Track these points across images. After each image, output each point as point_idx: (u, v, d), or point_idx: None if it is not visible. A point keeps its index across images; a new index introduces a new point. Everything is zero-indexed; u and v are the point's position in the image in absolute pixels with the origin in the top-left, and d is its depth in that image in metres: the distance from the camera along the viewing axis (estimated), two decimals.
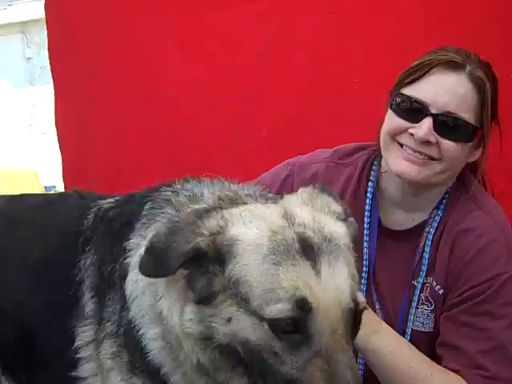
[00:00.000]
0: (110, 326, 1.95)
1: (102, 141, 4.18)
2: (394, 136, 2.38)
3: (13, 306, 2.24)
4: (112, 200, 2.22)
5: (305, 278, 1.54)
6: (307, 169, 2.67)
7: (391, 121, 2.41)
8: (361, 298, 1.63)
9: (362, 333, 2.12)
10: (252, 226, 1.63)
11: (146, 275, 1.69)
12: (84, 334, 2.05)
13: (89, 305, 2.05)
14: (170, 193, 1.99)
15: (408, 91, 2.35)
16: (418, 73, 2.34)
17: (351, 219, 1.83)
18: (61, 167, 4.35)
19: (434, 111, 2.29)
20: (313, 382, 1.53)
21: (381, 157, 2.54)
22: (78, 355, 2.07)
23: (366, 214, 2.54)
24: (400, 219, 2.53)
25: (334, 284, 1.56)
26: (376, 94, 2.67)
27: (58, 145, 4.34)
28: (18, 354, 2.28)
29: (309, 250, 1.58)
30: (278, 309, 1.52)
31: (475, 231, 2.36)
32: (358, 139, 2.80)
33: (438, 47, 2.44)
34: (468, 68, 2.31)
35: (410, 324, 2.41)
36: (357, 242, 1.83)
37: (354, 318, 1.59)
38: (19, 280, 2.25)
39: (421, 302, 2.44)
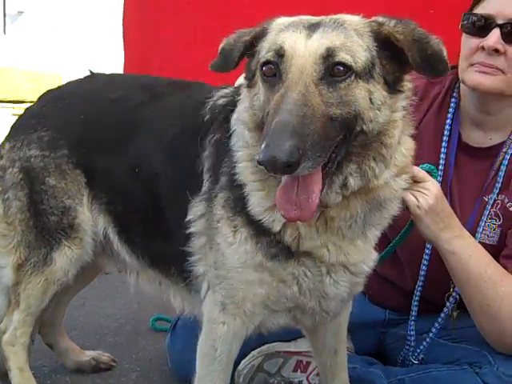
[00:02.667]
0: (222, 178, 2.15)
1: (167, 42, 4.23)
2: (469, 58, 2.49)
3: (150, 174, 2.41)
4: (226, 91, 2.37)
5: (294, 38, 1.85)
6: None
7: (465, 44, 2.53)
8: (346, 57, 1.81)
9: (446, 236, 2.35)
10: (287, 18, 1.98)
11: (216, 70, 2.07)
12: (197, 208, 2.23)
13: (205, 186, 2.22)
14: None
15: (476, 11, 2.48)
16: None
17: (385, 27, 1.91)
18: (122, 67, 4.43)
19: (500, 22, 2.40)
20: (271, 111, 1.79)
21: None
22: (190, 229, 2.25)
23: (447, 127, 2.67)
24: (477, 137, 2.66)
25: (316, 42, 1.82)
26: None
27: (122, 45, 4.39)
28: (142, 219, 2.47)
29: (315, 26, 1.87)
30: (264, 55, 1.89)
31: None
32: None
33: None
34: None
35: (477, 235, 2.57)
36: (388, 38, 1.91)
37: (327, 68, 1.81)
38: (156, 152, 2.41)
39: (490, 216, 2.59)
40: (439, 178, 2.59)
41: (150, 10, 4.32)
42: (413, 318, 2.74)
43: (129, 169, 2.45)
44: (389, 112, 1.91)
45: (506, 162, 2.57)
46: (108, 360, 3.33)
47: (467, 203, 2.63)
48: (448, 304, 2.64)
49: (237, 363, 2.74)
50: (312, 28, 1.86)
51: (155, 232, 2.45)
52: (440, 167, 2.63)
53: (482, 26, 2.45)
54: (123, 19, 4.41)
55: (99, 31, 13.01)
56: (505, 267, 2.45)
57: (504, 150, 2.59)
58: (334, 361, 2.54)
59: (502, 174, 2.57)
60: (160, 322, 3.85)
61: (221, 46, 2.08)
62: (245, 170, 2.07)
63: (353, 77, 1.82)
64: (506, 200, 2.55)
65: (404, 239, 2.50)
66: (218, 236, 2.16)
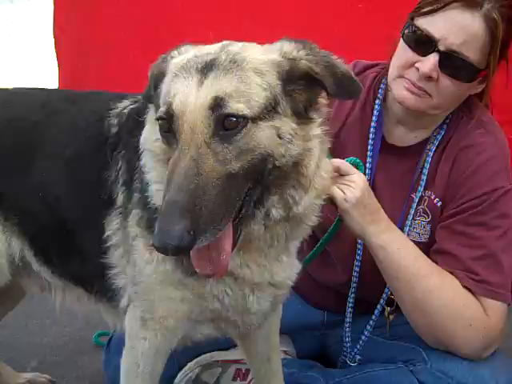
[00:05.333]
0: (135, 195, 2.10)
1: (100, 53, 4.16)
2: (402, 71, 2.46)
3: (52, 198, 2.33)
4: (130, 103, 2.30)
5: (184, 89, 1.72)
6: None
7: (401, 54, 2.47)
8: (237, 107, 1.69)
9: (374, 229, 2.35)
10: (186, 54, 1.87)
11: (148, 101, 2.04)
12: (112, 222, 2.18)
13: (120, 199, 2.17)
14: None
15: (422, 22, 2.40)
16: (435, 4, 2.36)
17: (302, 62, 1.82)
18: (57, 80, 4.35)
19: (441, 48, 2.34)
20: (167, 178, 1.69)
21: None
22: (109, 243, 2.20)
23: (371, 130, 2.65)
24: (402, 136, 2.65)
25: (205, 92, 1.69)
26: (378, 18, 2.72)
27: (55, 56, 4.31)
28: (55, 239, 2.39)
29: (208, 67, 1.74)
30: (160, 110, 1.77)
31: (476, 148, 2.50)
32: None
33: None
34: (485, 7, 2.31)
35: (405, 234, 2.55)
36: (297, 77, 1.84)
37: (218, 123, 1.69)
38: (55, 174, 2.33)
39: (418, 213, 2.59)
40: (367, 176, 2.58)
41: (83, 16, 4.23)
42: (348, 319, 2.73)
43: (33, 192, 2.36)
44: (302, 142, 1.83)
45: (429, 159, 2.56)
46: (45, 382, 3.26)
47: (397, 201, 2.63)
48: (381, 301, 2.63)
49: (173, 376, 2.70)
50: (205, 71, 1.73)
51: (70, 252, 2.38)
52: (367, 171, 2.62)
53: (422, 44, 2.39)
54: (54, 28, 4.31)
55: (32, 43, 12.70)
56: (434, 262, 2.45)
57: (428, 147, 2.59)
58: (268, 368, 2.52)
59: (425, 170, 2.56)
60: (104, 338, 3.75)
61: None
62: (156, 194, 1.99)
63: (249, 124, 1.71)
64: (433, 196, 2.56)
65: (332, 237, 2.49)
66: (134, 253, 2.12)
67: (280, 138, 1.77)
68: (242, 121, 1.69)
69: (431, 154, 2.57)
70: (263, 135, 1.73)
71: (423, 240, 2.58)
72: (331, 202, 2.30)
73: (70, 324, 4.04)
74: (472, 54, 2.35)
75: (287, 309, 2.52)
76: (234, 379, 2.81)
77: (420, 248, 2.47)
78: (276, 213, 1.91)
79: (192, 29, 4.00)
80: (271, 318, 2.43)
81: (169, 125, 1.73)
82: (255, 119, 1.71)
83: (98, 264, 2.23)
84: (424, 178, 2.57)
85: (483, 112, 2.60)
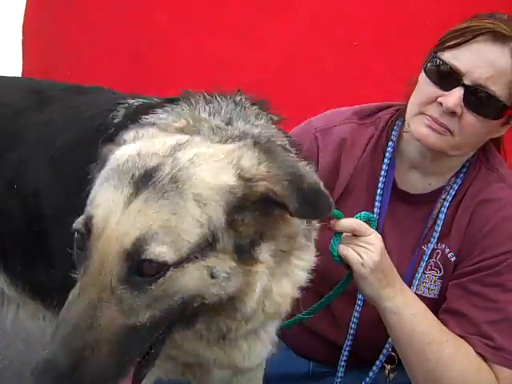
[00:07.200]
0: None
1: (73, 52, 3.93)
2: (423, 107, 2.31)
3: (29, 191, 2.09)
4: (144, 100, 2.11)
5: (110, 202, 1.42)
6: (330, 132, 2.58)
7: (423, 90, 2.33)
8: (158, 251, 1.38)
9: (388, 293, 2.16)
10: (133, 146, 1.57)
11: None
12: None
13: None
14: (188, 102, 1.90)
15: (446, 56, 2.27)
16: (461, 38, 2.24)
17: (261, 184, 1.50)
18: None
19: (466, 82, 2.21)
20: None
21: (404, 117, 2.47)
22: None
23: (383, 173, 2.48)
24: (416, 183, 2.49)
25: (130, 219, 1.39)
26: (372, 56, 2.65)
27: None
28: (22, 241, 2.14)
29: (145, 180, 1.43)
30: (78, 220, 1.47)
31: (496, 203, 2.36)
32: (355, 101, 2.73)
33: (488, 11, 2.36)
34: None
35: (413, 288, 2.39)
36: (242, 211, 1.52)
37: (132, 267, 1.39)
38: (39, 165, 2.10)
39: (429, 267, 2.42)
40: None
41: (55, 14, 3.97)
42: (340, 373, 2.52)
43: (5, 185, 2.13)
44: (241, 279, 1.51)
45: (444, 210, 2.41)
46: None
47: (406, 252, 2.45)
48: (381, 357, 2.46)
49: None
50: (139, 185, 1.43)
51: (37, 257, 2.12)
52: (375, 216, 2.42)
53: (446, 78, 2.25)
54: (23, 24, 3.99)
55: None
56: (445, 323, 2.28)
57: (443, 196, 2.43)
58: None
59: (440, 222, 2.40)
60: None
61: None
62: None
63: (169, 272, 1.40)
64: (447, 250, 2.40)
65: (339, 294, 2.27)
66: None
67: (213, 277, 1.46)
68: (162, 267, 1.39)
69: (447, 204, 2.41)
70: (190, 279, 1.43)
71: (432, 296, 2.42)
72: (342, 262, 2.12)
73: (10, 346, 3.73)
74: (499, 89, 2.22)
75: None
76: None
77: (427, 304, 2.29)
78: (209, 336, 1.64)
79: (162, 30, 3.91)
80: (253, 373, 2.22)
81: (82, 240, 1.44)
82: (180, 263, 1.41)
83: (65, 275, 1.91)
84: (438, 229, 2.41)
85: (502, 163, 2.48)
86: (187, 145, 1.52)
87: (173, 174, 1.43)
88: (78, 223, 1.44)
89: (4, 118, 2.19)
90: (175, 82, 3.67)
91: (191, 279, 1.42)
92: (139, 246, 1.36)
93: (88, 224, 1.42)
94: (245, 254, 1.50)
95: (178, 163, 1.46)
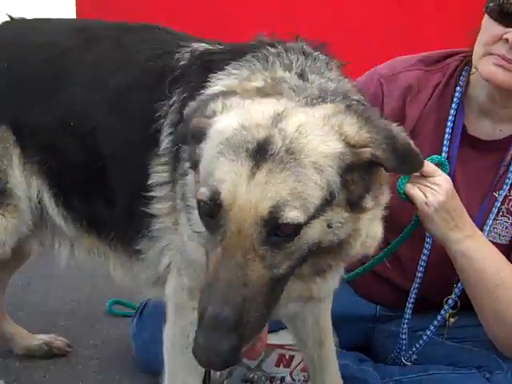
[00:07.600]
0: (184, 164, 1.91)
1: None
2: (489, 47, 2.31)
3: (87, 129, 2.15)
4: (209, 46, 2.12)
5: (233, 175, 1.51)
6: (395, 79, 2.61)
7: (488, 30, 2.33)
8: (293, 215, 1.50)
9: (456, 235, 2.18)
10: (231, 117, 1.63)
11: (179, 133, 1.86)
12: (159, 174, 2.02)
13: (165, 142, 2.00)
14: (258, 55, 1.94)
15: None
16: None
17: (366, 150, 1.60)
18: None
19: None
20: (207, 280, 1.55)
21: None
22: (152, 193, 2.04)
23: (450, 118, 2.50)
24: (486, 129, 2.51)
25: (259, 190, 1.49)
26: None
27: None
28: (81, 177, 2.22)
29: (261, 153, 1.52)
30: (202, 191, 1.55)
31: None
32: None
33: None
34: None
35: (484, 234, 2.40)
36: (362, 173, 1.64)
37: (271, 231, 1.51)
38: (93, 104, 2.15)
39: (501, 213, 2.45)
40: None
41: None
42: (407, 315, 2.57)
43: (62, 123, 2.18)
44: (351, 226, 1.66)
45: None
46: (63, 345, 3.05)
47: (474, 200, 2.47)
48: (450, 302, 2.49)
49: None
50: (257, 157, 1.51)
51: (95, 193, 2.20)
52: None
53: (509, 15, 2.24)
54: None
55: None
56: None
57: None
58: (321, 354, 2.36)
59: None
60: (117, 306, 3.56)
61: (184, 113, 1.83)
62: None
63: (303, 230, 1.54)
64: None
65: (407, 238, 2.30)
66: (179, 223, 1.99)
67: (330, 227, 1.61)
68: (296, 228, 1.53)
69: None
70: (315, 232, 1.58)
71: (503, 242, 2.45)
72: (410, 201, 2.13)
73: (76, 289, 3.84)
74: None
75: (337, 299, 2.34)
76: (277, 365, 2.64)
77: (499, 250, 2.32)
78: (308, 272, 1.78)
79: None
80: (322, 304, 2.29)
81: (211, 211, 1.55)
82: (309, 221, 1.55)
83: (126, 209, 2.09)
84: (511, 176, 2.43)
85: None
86: (286, 114, 1.60)
87: (286, 145, 1.52)
88: (203, 194, 1.54)
89: (51, 58, 2.23)
90: None
91: (316, 232, 1.57)
92: (275, 212, 1.48)
93: (215, 198, 1.51)
94: (355, 205, 1.64)
95: (286, 135, 1.54)
